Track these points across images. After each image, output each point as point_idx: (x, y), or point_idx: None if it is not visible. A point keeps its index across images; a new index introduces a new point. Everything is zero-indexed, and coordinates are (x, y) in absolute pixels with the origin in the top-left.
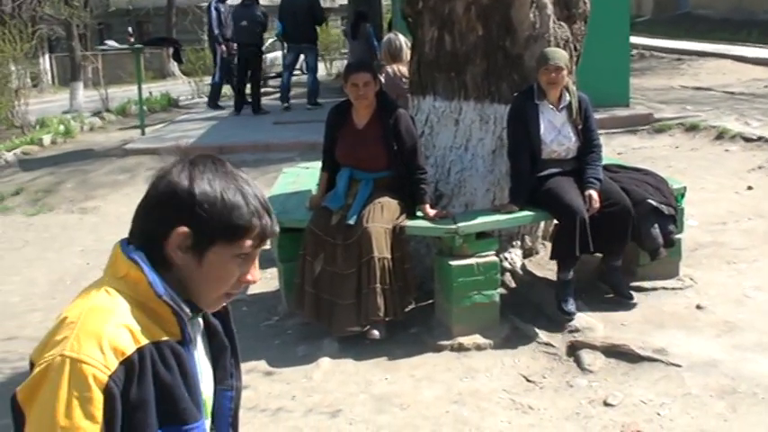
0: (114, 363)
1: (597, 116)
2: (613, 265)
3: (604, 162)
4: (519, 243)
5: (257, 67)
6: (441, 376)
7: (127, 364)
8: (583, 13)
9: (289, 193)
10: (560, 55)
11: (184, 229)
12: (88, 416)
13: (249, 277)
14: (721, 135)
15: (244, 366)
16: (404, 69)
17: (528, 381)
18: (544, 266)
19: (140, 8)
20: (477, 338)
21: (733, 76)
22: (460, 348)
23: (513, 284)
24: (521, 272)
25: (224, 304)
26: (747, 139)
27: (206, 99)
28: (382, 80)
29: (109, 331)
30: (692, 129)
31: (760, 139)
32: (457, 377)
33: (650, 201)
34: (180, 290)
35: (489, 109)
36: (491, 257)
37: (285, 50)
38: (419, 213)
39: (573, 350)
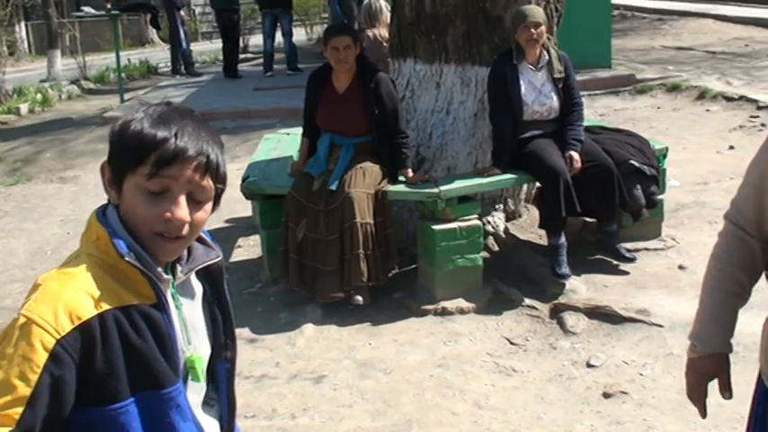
0: (67, 326)
1: (579, 78)
2: (608, 230)
3: (586, 124)
4: (502, 206)
5: (232, 31)
6: (424, 341)
7: (84, 329)
8: None
9: (270, 160)
10: (537, 12)
11: (104, 162)
12: (23, 377)
13: (167, 214)
14: (703, 95)
15: None
16: (384, 33)
17: (511, 343)
18: (527, 229)
19: None
20: (461, 302)
21: (714, 36)
22: (444, 312)
23: (495, 248)
24: (504, 235)
25: (172, 252)
26: (729, 99)
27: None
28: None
29: (67, 295)
30: (674, 89)
31: (741, 98)
32: (440, 341)
33: (632, 162)
34: (136, 239)
35: (470, 71)
36: (474, 221)
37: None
38: (401, 178)
39: (556, 312)
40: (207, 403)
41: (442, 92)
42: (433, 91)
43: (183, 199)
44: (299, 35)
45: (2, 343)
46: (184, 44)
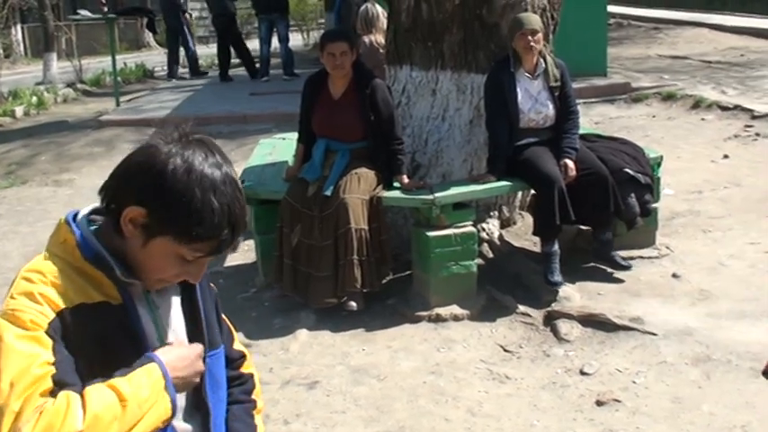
0: (51, 313)
1: (575, 85)
2: (603, 238)
3: (581, 132)
4: (496, 213)
5: (227, 35)
6: (418, 347)
7: (61, 317)
8: None
9: (265, 165)
10: (534, 19)
11: (141, 209)
12: (33, 342)
13: (190, 279)
14: (698, 104)
15: None
16: (381, 39)
17: (505, 351)
18: (521, 237)
19: None
20: (455, 309)
21: (710, 45)
22: (438, 319)
23: (490, 255)
24: (498, 242)
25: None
26: (724, 108)
27: (186, 70)
28: (360, 50)
29: (38, 288)
30: (669, 98)
31: (736, 107)
32: (434, 348)
33: (627, 170)
34: (118, 250)
35: (466, 78)
36: (468, 228)
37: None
38: (396, 184)
39: (550, 320)
40: (194, 409)
41: (437, 98)
42: (429, 98)
43: (206, 265)
44: (296, 40)
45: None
46: (192, 46)
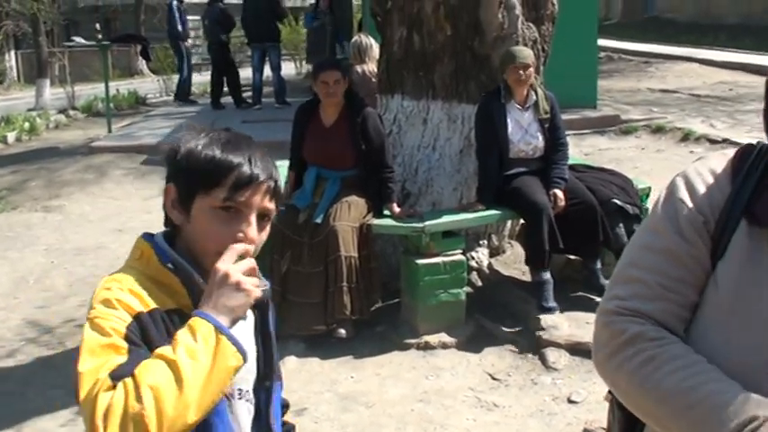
0: (128, 317)
1: (566, 117)
2: (592, 267)
3: (571, 162)
4: (486, 242)
5: (219, 62)
6: (406, 375)
7: (138, 319)
8: (551, 15)
9: None
10: (527, 53)
11: (170, 185)
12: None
13: (240, 235)
14: (687, 137)
15: None
16: (373, 68)
17: (493, 379)
18: (510, 265)
19: (109, 5)
20: (443, 337)
21: (699, 79)
22: (426, 347)
23: (479, 283)
24: (487, 271)
25: None
26: (712, 141)
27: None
28: (352, 80)
29: (116, 294)
30: (658, 130)
31: (725, 141)
32: (422, 375)
33: (615, 200)
34: (191, 258)
35: (457, 109)
36: (458, 256)
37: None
38: (386, 212)
39: (538, 348)
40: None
41: (428, 128)
42: (420, 127)
43: (254, 219)
44: (289, 69)
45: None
46: (186, 72)
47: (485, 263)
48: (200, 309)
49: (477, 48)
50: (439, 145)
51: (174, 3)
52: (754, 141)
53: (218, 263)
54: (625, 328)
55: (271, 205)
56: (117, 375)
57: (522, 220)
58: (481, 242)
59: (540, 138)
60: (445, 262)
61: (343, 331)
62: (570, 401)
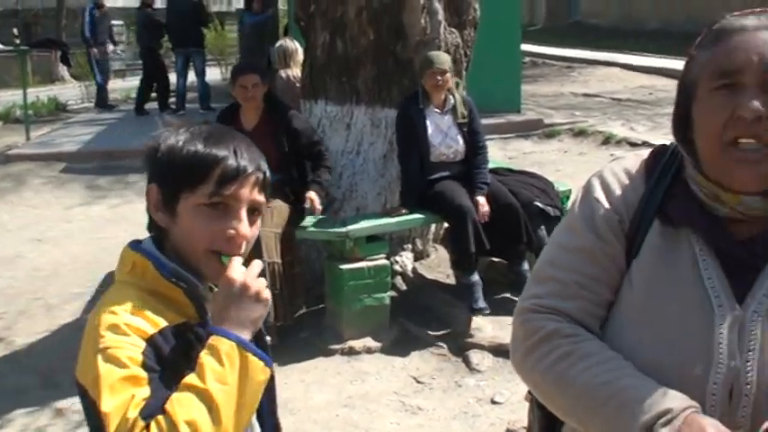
0: (141, 342)
1: (490, 121)
2: (518, 269)
3: (493, 166)
4: (410, 246)
5: (150, 68)
6: (331, 380)
7: (152, 343)
8: (473, 20)
9: None
10: (444, 58)
11: (152, 185)
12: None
13: (231, 231)
14: (608, 140)
15: None
16: (298, 73)
17: (417, 382)
18: (435, 269)
19: (29, 9)
20: (368, 341)
21: (620, 84)
22: (351, 352)
23: (403, 287)
24: (411, 275)
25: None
26: (632, 144)
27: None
28: (276, 84)
29: (123, 318)
30: (581, 134)
31: (644, 143)
32: (347, 380)
33: (537, 203)
34: (180, 261)
35: (380, 113)
36: (382, 261)
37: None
38: (309, 218)
39: (462, 351)
40: None
41: (352, 133)
42: (344, 132)
43: (244, 214)
44: (214, 74)
45: (99, 382)
46: (98, 78)
47: (409, 267)
48: (217, 325)
49: (399, 52)
50: (363, 150)
51: (88, 7)
52: (667, 142)
53: (230, 273)
54: (541, 326)
55: (261, 198)
56: (148, 414)
57: (446, 224)
58: (405, 246)
59: (461, 141)
60: (369, 267)
61: (267, 338)
62: (493, 402)
